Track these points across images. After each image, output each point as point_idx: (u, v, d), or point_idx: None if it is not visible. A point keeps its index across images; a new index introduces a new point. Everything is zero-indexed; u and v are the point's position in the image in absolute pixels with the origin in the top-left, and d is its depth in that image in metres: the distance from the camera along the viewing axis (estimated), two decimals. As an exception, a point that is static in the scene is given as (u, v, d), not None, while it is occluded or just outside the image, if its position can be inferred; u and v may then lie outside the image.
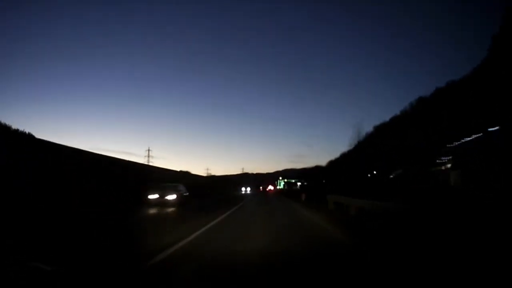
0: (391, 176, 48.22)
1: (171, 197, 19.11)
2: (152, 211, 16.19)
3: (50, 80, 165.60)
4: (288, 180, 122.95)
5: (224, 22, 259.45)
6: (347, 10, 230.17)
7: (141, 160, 57.21)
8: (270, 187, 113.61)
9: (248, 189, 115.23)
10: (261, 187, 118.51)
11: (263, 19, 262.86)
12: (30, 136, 14.92)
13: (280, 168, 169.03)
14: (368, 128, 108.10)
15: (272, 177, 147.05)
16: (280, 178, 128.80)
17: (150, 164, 49.42)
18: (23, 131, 14.27)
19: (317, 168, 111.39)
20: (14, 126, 13.95)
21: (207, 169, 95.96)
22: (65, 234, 7.59)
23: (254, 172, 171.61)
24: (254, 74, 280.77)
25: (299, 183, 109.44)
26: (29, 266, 2.58)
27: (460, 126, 40.71)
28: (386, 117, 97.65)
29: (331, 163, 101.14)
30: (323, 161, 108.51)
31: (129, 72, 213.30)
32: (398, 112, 74.10)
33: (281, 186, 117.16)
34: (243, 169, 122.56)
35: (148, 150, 65.82)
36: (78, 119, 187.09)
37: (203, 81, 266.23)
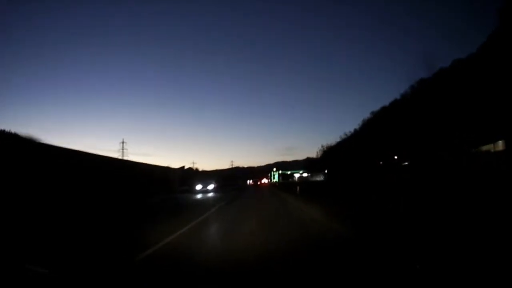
0: (406, 163, 43.77)
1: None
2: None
3: (45, 82, 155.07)
4: (283, 172, 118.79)
5: (214, 16, 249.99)
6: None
7: (115, 154, 55.88)
8: (264, 180, 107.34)
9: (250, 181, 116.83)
10: (251, 181, 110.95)
11: (255, 14, 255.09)
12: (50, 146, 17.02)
13: (272, 161, 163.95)
14: (377, 105, 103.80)
15: (263, 171, 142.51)
16: (274, 169, 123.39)
17: (125, 158, 52.15)
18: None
19: (318, 158, 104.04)
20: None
21: (193, 163, 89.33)
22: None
23: (245, 166, 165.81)
24: (242, 68, 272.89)
25: (297, 175, 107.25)
26: (27, 269, 2.46)
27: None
28: (379, 105, 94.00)
29: (327, 152, 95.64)
30: (313, 153, 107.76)
31: (118, 70, 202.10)
32: (398, 97, 69.93)
33: (276, 179, 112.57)
34: (232, 162, 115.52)
35: (122, 143, 60.95)
36: (80, 121, 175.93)
37: (190, 76, 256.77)
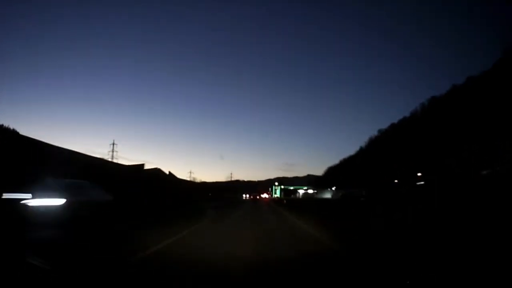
0: (420, 183, 40.65)
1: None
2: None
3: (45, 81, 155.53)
4: (286, 187, 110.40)
5: (219, 26, 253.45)
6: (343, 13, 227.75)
7: (106, 156, 51.76)
8: (265, 195, 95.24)
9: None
10: (251, 196, 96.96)
11: (259, 27, 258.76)
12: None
13: (272, 176, 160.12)
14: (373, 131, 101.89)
15: (263, 185, 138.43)
16: (276, 183, 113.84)
17: (115, 160, 48.10)
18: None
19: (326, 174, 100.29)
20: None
21: (190, 172, 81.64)
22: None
23: (246, 179, 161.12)
24: (245, 81, 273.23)
25: (301, 191, 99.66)
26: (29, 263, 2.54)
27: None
28: (381, 125, 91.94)
29: (331, 170, 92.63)
30: (314, 171, 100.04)
31: (118, 76, 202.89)
32: (407, 114, 67.67)
33: (277, 194, 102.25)
34: (231, 174, 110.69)
35: (113, 144, 56.41)
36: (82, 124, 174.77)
37: (194, 87, 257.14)
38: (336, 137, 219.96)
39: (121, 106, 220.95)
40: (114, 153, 56.44)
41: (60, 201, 8.02)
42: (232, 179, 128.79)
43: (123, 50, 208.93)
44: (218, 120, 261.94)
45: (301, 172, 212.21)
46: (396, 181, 42.93)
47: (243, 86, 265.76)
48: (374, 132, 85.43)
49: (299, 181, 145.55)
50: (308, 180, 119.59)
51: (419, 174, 42.12)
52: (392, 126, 71.05)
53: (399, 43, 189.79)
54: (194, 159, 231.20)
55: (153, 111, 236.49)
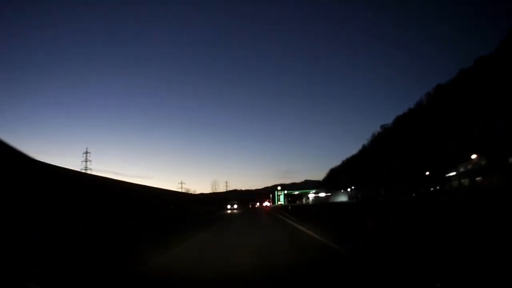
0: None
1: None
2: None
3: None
4: (289, 191, 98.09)
5: (212, 32, 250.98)
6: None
7: (79, 166, 48.63)
8: (266, 203, 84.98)
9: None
10: (233, 206, 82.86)
11: (253, 30, 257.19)
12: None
13: (270, 184, 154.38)
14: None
15: (260, 194, 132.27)
16: (279, 188, 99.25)
17: (88, 170, 45.74)
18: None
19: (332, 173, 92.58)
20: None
21: (181, 182, 74.32)
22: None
23: (243, 188, 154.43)
24: (237, 89, 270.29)
25: (311, 195, 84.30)
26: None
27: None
28: (384, 122, 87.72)
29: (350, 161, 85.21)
30: (312, 176, 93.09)
31: (104, 85, 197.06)
32: (412, 106, 63.83)
33: (281, 201, 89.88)
34: (226, 183, 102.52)
35: (86, 153, 51.94)
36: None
37: (188, 95, 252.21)
38: (332, 140, 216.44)
39: (110, 118, 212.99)
40: (88, 163, 51.12)
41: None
42: (229, 188, 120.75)
43: (112, 58, 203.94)
44: (210, 129, 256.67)
45: (298, 179, 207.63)
46: (427, 173, 37.96)
47: (235, 93, 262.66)
48: (372, 131, 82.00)
49: (296, 187, 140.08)
50: (312, 185, 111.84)
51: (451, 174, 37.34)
52: (397, 119, 67.38)
53: (397, 33, 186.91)
54: (186, 170, 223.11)
55: (141, 119, 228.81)
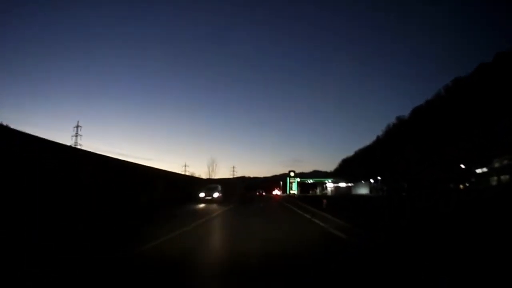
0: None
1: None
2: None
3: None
4: (302, 180, 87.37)
5: (220, 21, 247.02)
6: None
7: (69, 141, 45.73)
8: (277, 192, 79.05)
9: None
10: (256, 193, 76.11)
11: (261, 21, 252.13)
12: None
13: (278, 173, 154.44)
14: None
15: (268, 181, 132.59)
16: (292, 174, 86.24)
17: (78, 145, 41.79)
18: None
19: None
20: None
21: (185, 165, 64.41)
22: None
23: (251, 175, 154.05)
24: (246, 76, 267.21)
25: (330, 184, 71.96)
26: None
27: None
28: (388, 121, 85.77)
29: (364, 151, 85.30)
30: (321, 166, 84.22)
31: (125, 73, 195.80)
32: (423, 102, 63.40)
33: (294, 190, 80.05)
34: (233, 167, 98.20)
35: (77, 127, 48.53)
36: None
37: (197, 81, 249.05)
38: (342, 131, 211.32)
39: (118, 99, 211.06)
40: (79, 138, 47.67)
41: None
42: (237, 174, 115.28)
43: (119, 48, 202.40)
44: (216, 115, 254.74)
45: (306, 168, 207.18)
46: (462, 166, 36.75)
47: (244, 80, 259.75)
48: (383, 123, 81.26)
49: (306, 176, 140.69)
50: (323, 175, 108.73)
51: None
52: (414, 111, 67.21)
53: (415, 24, 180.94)
54: (190, 153, 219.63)
55: (147, 103, 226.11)
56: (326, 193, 68.31)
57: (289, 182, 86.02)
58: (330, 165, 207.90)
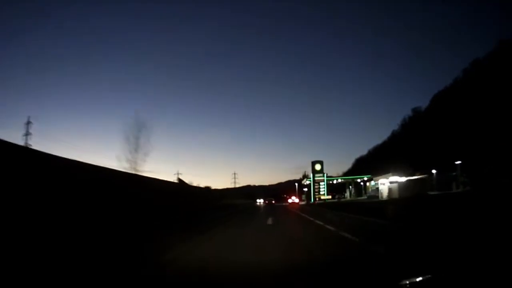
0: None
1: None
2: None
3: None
4: (329, 178, 58.85)
5: (222, 27, 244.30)
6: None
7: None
8: (293, 199, 57.69)
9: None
10: (266, 201, 66.85)
11: (265, 28, 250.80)
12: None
13: (283, 180, 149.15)
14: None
15: (274, 190, 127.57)
16: (318, 168, 59.55)
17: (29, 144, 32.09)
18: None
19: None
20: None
21: (178, 173, 51.08)
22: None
23: (257, 184, 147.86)
24: (246, 81, 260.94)
25: (384, 180, 38.78)
26: None
27: None
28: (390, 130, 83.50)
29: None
30: (327, 171, 61.98)
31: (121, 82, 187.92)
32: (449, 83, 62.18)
33: (323, 193, 58.05)
34: (234, 174, 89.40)
35: (27, 123, 39.39)
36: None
37: (198, 90, 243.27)
38: (343, 139, 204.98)
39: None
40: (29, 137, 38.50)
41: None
42: (240, 184, 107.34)
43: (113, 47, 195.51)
44: (218, 122, 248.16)
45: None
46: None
47: (244, 86, 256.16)
48: (390, 124, 79.59)
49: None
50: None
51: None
52: (433, 99, 66.13)
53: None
54: (194, 166, 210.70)
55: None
56: (378, 195, 41.02)
57: (314, 183, 59.47)
58: (338, 169, 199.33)
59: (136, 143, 14.77)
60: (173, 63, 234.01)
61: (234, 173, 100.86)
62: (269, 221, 12.83)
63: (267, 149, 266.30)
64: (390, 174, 38.99)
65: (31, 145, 35.59)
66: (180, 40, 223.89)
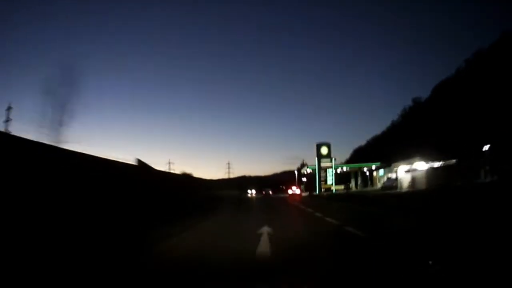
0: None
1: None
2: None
3: None
4: (339, 165, 53.13)
5: (216, 17, 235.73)
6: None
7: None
8: (294, 189, 48.79)
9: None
10: (263, 191, 62.84)
11: (260, 20, 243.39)
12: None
13: (278, 171, 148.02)
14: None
15: (269, 181, 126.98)
16: (325, 152, 51.69)
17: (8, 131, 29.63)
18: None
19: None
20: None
21: (169, 163, 54.00)
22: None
23: (252, 174, 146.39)
24: (241, 71, 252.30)
25: (403, 168, 33.94)
26: None
27: None
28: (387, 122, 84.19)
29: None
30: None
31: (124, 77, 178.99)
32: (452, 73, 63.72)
33: (331, 182, 49.98)
34: (228, 164, 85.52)
35: (8, 109, 35.61)
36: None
37: (191, 80, 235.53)
38: (339, 129, 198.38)
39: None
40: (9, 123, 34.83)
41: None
42: (235, 175, 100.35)
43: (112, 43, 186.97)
44: (211, 112, 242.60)
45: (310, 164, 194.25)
46: None
47: (239, 74, 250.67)
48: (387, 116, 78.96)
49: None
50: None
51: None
52: (434, 90, 67.69)
53: None
54: (188, 154, 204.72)
55: (141, 105, 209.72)
56: (396, 185, 34.57)
57: (318, 170, 50.72)
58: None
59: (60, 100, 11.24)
60: (166, 52, 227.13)
61: (228, 163, 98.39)
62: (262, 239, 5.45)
63: (263, 140, 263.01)
64: (416, 158, 32.63)
65: (10, 132, 33.58)
66: (172, 30, 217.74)
